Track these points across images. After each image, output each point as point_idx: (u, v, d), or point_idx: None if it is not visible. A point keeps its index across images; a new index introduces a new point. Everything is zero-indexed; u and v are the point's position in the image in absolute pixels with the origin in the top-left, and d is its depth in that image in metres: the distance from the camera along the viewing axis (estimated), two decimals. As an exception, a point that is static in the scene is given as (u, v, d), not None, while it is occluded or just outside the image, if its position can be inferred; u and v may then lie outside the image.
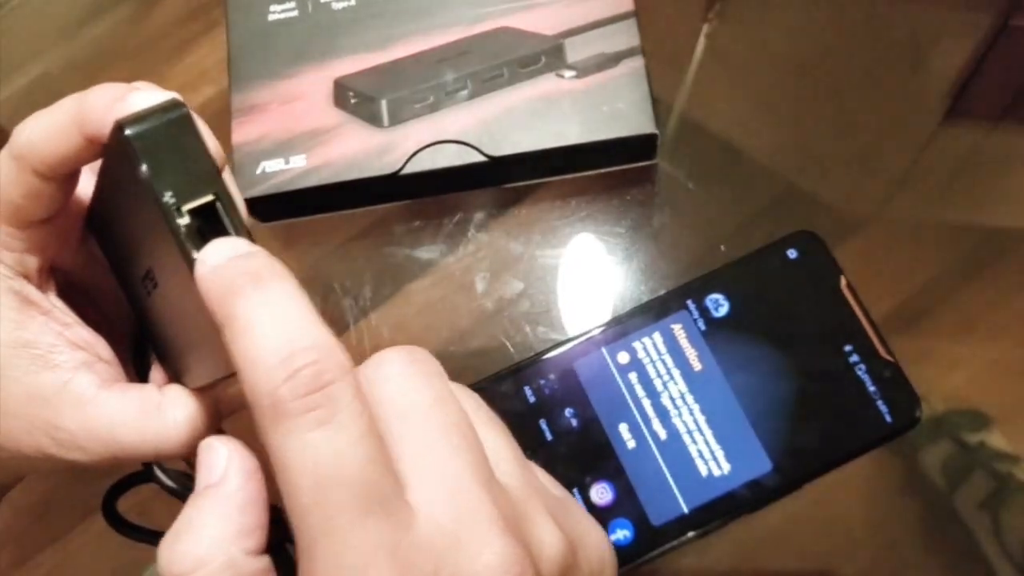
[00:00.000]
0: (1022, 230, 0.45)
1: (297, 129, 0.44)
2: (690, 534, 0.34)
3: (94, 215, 0.29)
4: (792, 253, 0.38)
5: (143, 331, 0.31)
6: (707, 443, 0.35)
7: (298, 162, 0.44)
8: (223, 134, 0.44)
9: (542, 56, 0.45)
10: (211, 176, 0.23)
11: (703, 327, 0.37)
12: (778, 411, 0.36)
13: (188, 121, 0.23)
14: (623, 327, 0.37)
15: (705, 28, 0.50)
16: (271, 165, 0.44)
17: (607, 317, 0.43)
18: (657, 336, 0.37)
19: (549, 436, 0.36)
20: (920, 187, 0.46)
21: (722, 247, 0.44)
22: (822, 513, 0.40)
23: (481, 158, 0.43)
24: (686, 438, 0.35)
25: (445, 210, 0.46)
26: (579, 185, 0.46)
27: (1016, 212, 0.46)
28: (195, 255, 0.22)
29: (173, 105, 0.23)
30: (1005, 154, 0.47)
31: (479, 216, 0.46)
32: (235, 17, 0.47)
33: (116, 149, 0.23)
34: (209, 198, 0.22)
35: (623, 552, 0.34)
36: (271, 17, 0.47)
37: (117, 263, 0.29)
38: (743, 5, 0.51)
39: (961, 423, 0.41)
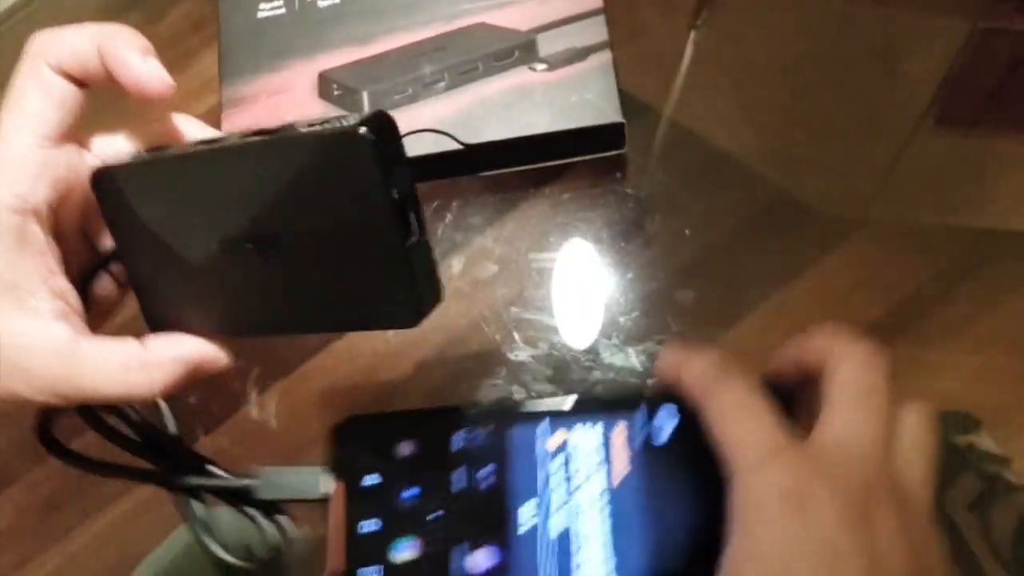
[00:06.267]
0: (1008, 232, 0.46)
1: (284, 120, 0.46)
2: None
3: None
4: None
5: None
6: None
7: (284, 151, 0.45)
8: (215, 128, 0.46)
9: (515, 50, 0.47)
10: (407, 176, 0.27)
11: (642, 441, 0.34)
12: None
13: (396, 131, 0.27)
14: (568, 412, 0.35)
15: (692, 35, 0.51)
16: (258, 153, 0.45)
17: (593, 319, 0.44)
18: (596, 431, 0.35)
19: (455, 488, 0.34)
20: (904, 191, 0.47)
21: (687, 231, 0.46)
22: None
23: (457, 146, 0.45)
24: (572, 544, 0.33)
25: (424, 199, 0.48)
26: (556, 177, 0.47)
27: (1000, 215, 0.46)
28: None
29: (386, 116, 0.27)
30: (986, 157, 0.47)
31: (457, 204, 0.48)
32: (226, 14, 0.49)
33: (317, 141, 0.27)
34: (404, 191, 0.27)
35: None
36: (260, 14, 0.49)
37: (179, 229, 0.30)
38: (730, 13, 0.52)
39: (950, 425, 0.41)
